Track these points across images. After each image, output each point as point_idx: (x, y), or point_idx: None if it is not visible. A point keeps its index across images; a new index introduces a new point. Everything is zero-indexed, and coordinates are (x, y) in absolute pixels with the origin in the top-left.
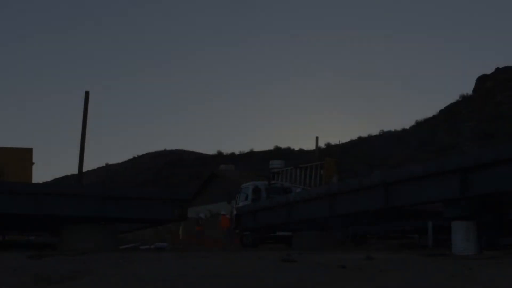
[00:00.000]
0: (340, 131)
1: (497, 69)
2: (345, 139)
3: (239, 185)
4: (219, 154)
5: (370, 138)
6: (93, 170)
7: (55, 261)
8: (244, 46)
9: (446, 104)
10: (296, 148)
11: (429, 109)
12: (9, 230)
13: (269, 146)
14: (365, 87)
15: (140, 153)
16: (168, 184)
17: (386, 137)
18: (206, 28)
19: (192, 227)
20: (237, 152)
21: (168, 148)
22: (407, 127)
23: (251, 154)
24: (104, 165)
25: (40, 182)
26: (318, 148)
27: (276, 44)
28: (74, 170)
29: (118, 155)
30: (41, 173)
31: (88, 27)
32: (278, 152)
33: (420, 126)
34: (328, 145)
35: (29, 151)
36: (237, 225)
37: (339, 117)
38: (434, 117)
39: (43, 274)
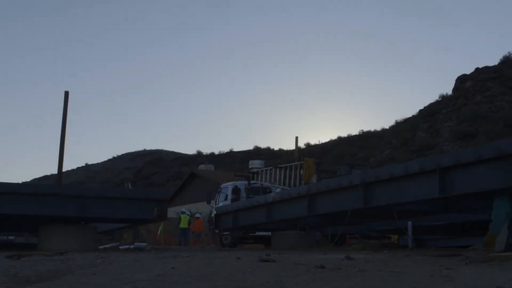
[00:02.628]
0: (320, 131)
1: (477, 69)
2: (324, 139)
3: (219, 185)
4: (199, 154)
5: (350, 138)
6: (73, 170)
7: (34, 261)
8: (226, 47)
9: (426, 104)
10: (276, 148)
11: (409, 109)
12: None
13: (249, 146)
14: (345, 87)
15: (119, 153)
16: (148, 184)
17: (365, 137)
18: (188, 28)
19: (171, 227)
20: (216, 152)
21: (148, 148)
22: (386, 127)
23: (231, 154)
24: (83, 165)
25: (20, 182)
26: (297, 148)
27: (258, 45)
28: (54, 170)
29: (98, 155)
30: (21, 173)
31: (69, 27)
32: (258, 152)
33: (399, 126)
34: (308, 145)
35: None
36: (216, 225)
37: (319, 117)
38: (413, 117)
39: (22, 274)
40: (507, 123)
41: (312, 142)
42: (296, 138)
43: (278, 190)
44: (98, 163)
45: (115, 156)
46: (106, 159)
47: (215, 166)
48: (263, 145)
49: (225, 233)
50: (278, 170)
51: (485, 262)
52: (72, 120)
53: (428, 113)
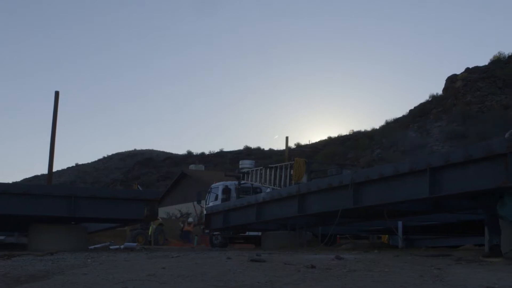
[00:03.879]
0: (310, 131)
1: (467, 69)
2: (315, 139)
3: (209, 185)
4: (189, 154)
5: (340, 138)
6: (63, 170)
7: (24, 261)
8: (213, 46)
9: (416, 104)
10: (266, 148)
11: (399, 109)
12: None
13: (239, 146)
14: (335, 87)
15: (110, 153)
16: (138, 184)
17: (356, 137)
18: (177, 28)
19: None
20: (207, 152)
21: (138, 148)
22: (377, 127)
23: (221, 154)
24: (74, 165)
25: (10, 182)
26: (288, 148)
27: (246, 44)
28: (44, 170)
29: (88, 155)
30: (11, 173)
31: (58, 28)
32: (248, 152)
33: (390, 126)
34: (298, 145)
35: None
36: (206, 225)
37: (309, 117)
38: (404, 117)
39: (12, 274)
40: (497, 123)
41: (303, 142)
42: (287, 138)
43: (268, 190)
44: (88, 163)
45: (106, 156)
46: (96, 159)
47: (205, 166)
48: (253, 145)
49: (215, 233)
50: (268, 170)
51: (475, 262)
52: (62, 120)
53: (419, 113)
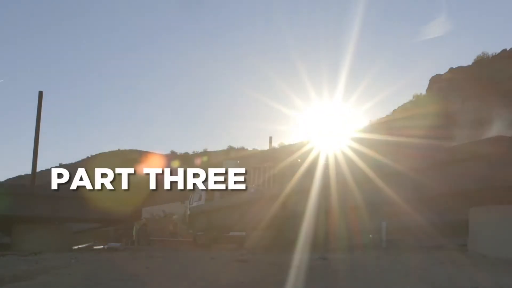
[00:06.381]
0: (294, 131)
1: (451, 69)
2: (299, 139)
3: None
4: (173, 153)
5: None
6: (47, 170)
7: (8, 261)
8: (197, 45)
9: (400, 104)
10: (250, 148)
11: (382, 109)
12: None
13: (223, 146)
14: (318, 88)
15: (93, 153)
16: None
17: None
18: (159, 27)
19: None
20: (190, 152)
21: (122, 148)
22: (360, 127)
23: (205, 154)
24: (58, 165)
25: None
26: (271, 148)
27: (231, 44)
28: (28, 170)
29: (72, 155)
30: None
31: (40, 27)
32: (232, 152)
33: (373, 126)
34: (282, 145)
35: None
36: (190, 225)
37: (293, 117)
38: (387, 117)
39: None
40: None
41: (286, 142)
42: (270, 138)
43: (252, 190)
44: (72, 163)
45: (89, 156)
46: (80, 159)
47: (189, 166)
48: (237, 145)
49: (199, 233)
50: (252, 170)
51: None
52: (46, 119)
53: (402, 113)
